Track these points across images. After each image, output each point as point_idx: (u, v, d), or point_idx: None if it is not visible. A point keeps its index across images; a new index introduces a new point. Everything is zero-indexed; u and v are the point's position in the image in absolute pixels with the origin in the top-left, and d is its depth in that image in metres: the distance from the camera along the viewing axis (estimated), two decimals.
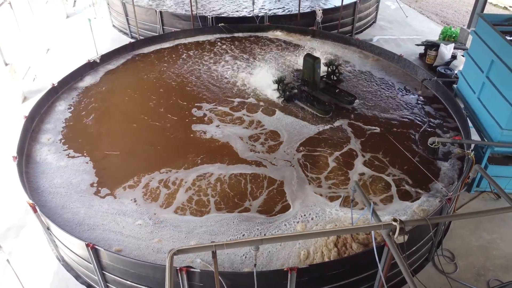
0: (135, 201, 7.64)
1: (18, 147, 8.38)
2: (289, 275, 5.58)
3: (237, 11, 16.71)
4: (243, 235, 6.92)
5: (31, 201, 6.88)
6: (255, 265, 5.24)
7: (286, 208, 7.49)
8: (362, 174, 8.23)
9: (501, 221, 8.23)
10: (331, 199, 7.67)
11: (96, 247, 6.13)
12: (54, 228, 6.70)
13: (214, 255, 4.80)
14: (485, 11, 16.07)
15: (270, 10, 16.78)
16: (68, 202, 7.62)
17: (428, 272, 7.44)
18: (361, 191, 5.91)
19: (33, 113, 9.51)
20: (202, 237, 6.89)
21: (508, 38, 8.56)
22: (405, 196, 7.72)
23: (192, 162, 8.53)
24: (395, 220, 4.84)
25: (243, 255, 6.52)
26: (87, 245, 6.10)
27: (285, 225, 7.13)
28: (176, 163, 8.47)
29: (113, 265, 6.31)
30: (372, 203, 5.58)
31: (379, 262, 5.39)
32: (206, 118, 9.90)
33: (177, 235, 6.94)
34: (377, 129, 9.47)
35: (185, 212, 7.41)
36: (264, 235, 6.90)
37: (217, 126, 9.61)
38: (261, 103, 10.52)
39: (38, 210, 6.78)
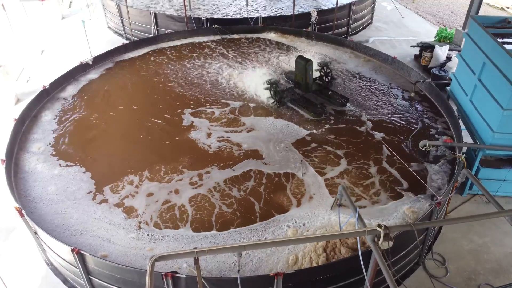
0: (131, 211, 7.44)
1: (7, 151, 8.33)
2: (275, 280, 5.54)
3: (230, 12, 16.67)
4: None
5: (17, 205, 6.84)
6: (238, 271, 5.20)
7: (281, 212, 7.43)
8: (352, 176, 8.16)
9: (492, 225, 8.18)
10: (324, 201, 7.58)
11: (82, 252, 6.09)
12: (40, 232, 6.65)
13: (196, 261, 4.77)
14: (482, 12, 16.07)
15: (264, 11, 16.73)
16: (61, 208, 7.48)
17: (419, 276, 7.38)
18: (348, 195, 5.86)
19: (23, 116, 9.45)
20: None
21: (500, 40, 8.53)
22: (395, 198, 7.65)
23: (190, 170, 8.31)
24: (379, 226, 4.80)
25: (232, 262, 6.43)
26: (73, 250, 6.06)
27: (280, 228, 7.06)
28: (173, 172, 8.26)
29: (98, 270, 6.27)
30: (357, 208, 5.53)
31: (364, 268, 5.33)
32: (198, 122, 9.78)
33: (172, 246, 6.70)
34: (369, 131, 9.41)
35: (184, 225, 7.15)
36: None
37: (209, 130, 9.48)
38: (254, 106, 10.45)
39: (24, 214, 6.73)
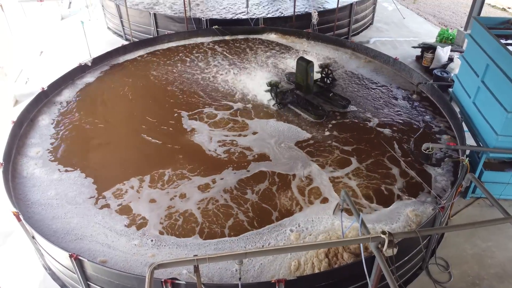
0: (133, 216, 7.29)
1: (5, 153, 8.21)
2: (276, 287, 5.44)
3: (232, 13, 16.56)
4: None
5: (15, 210, 6.73)
6: (239, 278, 5.11)
7: (287, 215, 7.34)
8: (354, 180, 8.06)
9: (496, 229, 8.07)
10: (328, 205, 7.48)
11: (80, 257, 5.98)
12: (38, 237, 6.55)
13: (196, 269, 4.66)
14: (484, 13, 15.93)
15: (265, 11, 16.62)
16: (61, 213, 7.35)
17: (422, 281, 7.28)
18: (350, 201, 5.75)
19: (21, 118, 9.33)
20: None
21: (503, 41, 8.43)
22: (398, 201, 7.55)
23: (193, 174, 8.16)
24: (383, 232, 4.70)
25: (235, 269, 6.30)
26: (71, 256, 5.96)
27: (283, 233, 6.95)
28: (177, 176, 8.10)
29: (97, 276, 6.17)
30: (361, 214, 5.43)
31: (368, 275, 5.23)
32: (199, 125, 9.63)
33: (175, 252, 6.59)
34: (370, 134, 9.31)
35: (188, 231, 7.01)
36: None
37: (210, 134, 9.32)
38: (255, 108, 10.33)
39: (22, 219, 6.63)
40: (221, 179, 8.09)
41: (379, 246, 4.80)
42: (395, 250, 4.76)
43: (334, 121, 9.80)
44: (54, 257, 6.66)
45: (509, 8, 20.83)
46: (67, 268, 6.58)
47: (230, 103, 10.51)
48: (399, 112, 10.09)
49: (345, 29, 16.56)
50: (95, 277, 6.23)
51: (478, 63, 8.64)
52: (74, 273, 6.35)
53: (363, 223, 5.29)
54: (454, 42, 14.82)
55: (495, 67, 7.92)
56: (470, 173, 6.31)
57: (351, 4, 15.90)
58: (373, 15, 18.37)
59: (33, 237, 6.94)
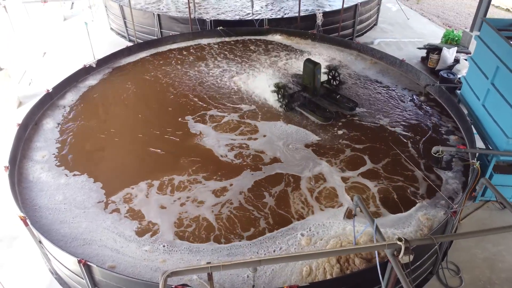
0: (143, 221, 7.18)
1: (11, 157, 8.13)
2: None
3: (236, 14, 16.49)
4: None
5: (22, 214, 6.65)
6: (253, 286, 5.03)
7: (299, 218, 7.27)
8: (365, 183, 7.98)
9: (507, 233, 7.97)
10: (339, 211, 7.40)
11: (89, 263, 5.91)
12: (45, 242, 6.47)
13: (210, 277, 4.59)
14: (487, 14, 15.86)
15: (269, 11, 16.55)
16: (69, 217, 7.24)
17: (433, 286, 7.22)
18: (364, 206, 5.68)
19: (26, 121, 9.24)
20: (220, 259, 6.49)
21: None
22: (409, 205, 7.46)
23: (208, 180, 8.04)
24: (400, 239, 4.64)
25: (246, 275, 6.19)
26: (79, 261, 5.88)
27: (294, 237, 6.89)
28: (187, 181, 7.98)
29: (106, 282, 6.10)
30: (375, 220, 5.35)
31: (383, 280, 5.17)
32: (205, 128, 9.54)
33: (187, 258, 6.50)
34: (379, 136, 9.24)
35: (199, 236, 6.90)
36: (265, 254, 6.64)
37: (218, 137, 9.22)
38: (261, 110, 10.25)
39: (29, 223, 6.55)
40: (238, 181, 7.99)
41: (395, 253, 4.73)
42: (411, 257, 4.70)
43: (343, 120, 9.74)
44: (62, 262, 6.59)
45: None
46: (74, 273, 6.52)
47: (237, 106, 10.42)
48: (407, 114, 10.01)
49: (350, 30, 16.49)
50: (103, 282, 6.15)
51: (487, 65, 8.56)
52: (82, 279, 6.28)
53: (377, 229, 5.22)
54: (460, 43, 14.73)
55: (505, 69, 7.84)
56: (484, 177, 6.23)
57: (356, 5, 15.83)
58: (377, 15, 18.30)
59: (40, 242, 6.87)
